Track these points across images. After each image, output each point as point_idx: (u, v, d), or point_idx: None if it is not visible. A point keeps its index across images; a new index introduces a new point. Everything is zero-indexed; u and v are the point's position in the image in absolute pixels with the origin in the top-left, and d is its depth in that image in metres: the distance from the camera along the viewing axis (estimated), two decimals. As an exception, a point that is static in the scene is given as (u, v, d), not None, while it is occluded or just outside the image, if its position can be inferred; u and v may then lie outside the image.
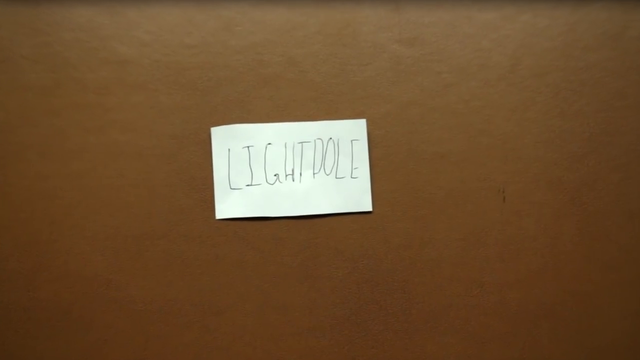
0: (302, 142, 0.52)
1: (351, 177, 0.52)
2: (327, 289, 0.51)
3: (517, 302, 0.52)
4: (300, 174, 0.51)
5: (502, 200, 0.52)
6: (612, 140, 0.53)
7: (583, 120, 0.53)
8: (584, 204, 0.52)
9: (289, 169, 0.51)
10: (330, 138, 0.52)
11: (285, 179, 0.51)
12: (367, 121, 0.52)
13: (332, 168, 0.52)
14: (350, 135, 0.52)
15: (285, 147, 0.51)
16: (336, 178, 0.52)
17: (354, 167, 0.52)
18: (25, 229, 0.50)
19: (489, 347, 0.51)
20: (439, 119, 0.53)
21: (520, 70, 0.53)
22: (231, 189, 0.51)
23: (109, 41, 0.52)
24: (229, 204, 0.51)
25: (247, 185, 0.51)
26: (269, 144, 0.51)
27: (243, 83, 0.52)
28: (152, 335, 0.50)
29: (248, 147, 0.51)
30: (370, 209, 0.52)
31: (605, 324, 0.52)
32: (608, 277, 0.52)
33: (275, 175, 0.51)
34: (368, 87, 0.52)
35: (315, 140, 0.52)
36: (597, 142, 0.53)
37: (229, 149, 0.51)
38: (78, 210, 0.51)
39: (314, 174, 0.52)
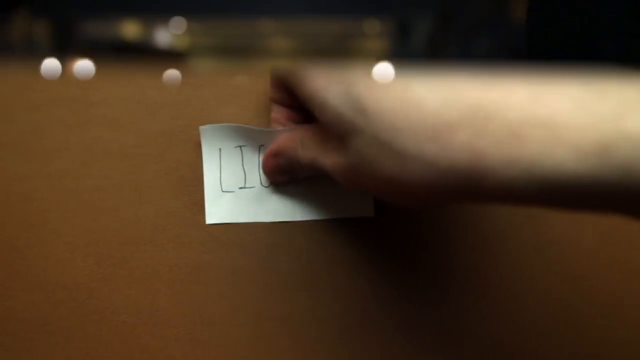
0: (300, 142, 0.49)
1: (352, 181, 0.49)
2: (327, 298, 0.50)
3: (532, 312, 0.50)
4: (298, 176, 0.49)
5: (517, 203, 0.51)
6: (639, 139, 0.51)
7: (607, 117, 0.51)
8: (607, 208, 0.50)
9: (286, 170, 0.49)
10: (331, 137, 0.49)
11: (282, 181, 0.49)
12: (371, 118, 0.50)
13: (332, 170, 0.49)
14: (352, 134, 0.49)
15: (282, 146, 0.49)
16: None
17: (355, 170, 0.49)
18: (0, 233, 0.49)
19: (502, 364, 0.50)
20: (449, 116, 0.51)
21: (538, 63, 0.51)
22: (223, 191, 0.49)
23: (91, 30, 0.50)
24: (221, 208, 0.49)
25: (240, 187, 0.49)
26: (263, 145, 0.49)
27: (237, 77, 0.50)
28: (137, 348, 0.49)
29: (241, 146, 0.49)
30: (372, 214, 0.50)
31: (629, 336, 0.50)
32: (631, 285, 0.50)
33: (271, 176, 0.49)
34: (372, 81, 0.51)
35: (314, 140, 0.49)
36: (622, 141, 0.51)
37: (220, 149, 0.49)
38: (58, 213, 0.49)
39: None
